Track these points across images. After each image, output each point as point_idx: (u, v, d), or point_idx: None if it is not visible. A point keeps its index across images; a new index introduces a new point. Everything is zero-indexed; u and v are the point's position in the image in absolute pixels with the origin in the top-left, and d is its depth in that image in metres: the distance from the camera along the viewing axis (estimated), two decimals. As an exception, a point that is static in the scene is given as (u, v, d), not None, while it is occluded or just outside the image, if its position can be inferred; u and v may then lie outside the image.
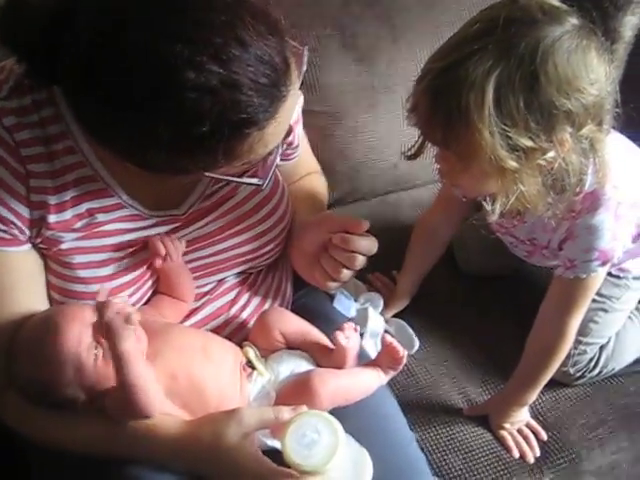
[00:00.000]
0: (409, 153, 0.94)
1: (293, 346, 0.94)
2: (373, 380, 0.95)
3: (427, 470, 0.94)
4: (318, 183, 1.15)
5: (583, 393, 1.16)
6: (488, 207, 0.86)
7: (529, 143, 0.78)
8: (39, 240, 0.83)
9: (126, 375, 0.76)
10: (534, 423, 1.10)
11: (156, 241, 0.87)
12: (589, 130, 0.81)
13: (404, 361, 0.96)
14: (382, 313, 1.20)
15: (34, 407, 0.83)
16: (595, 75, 0.79)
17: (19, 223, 0.80)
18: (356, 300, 1.19)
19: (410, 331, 1.18)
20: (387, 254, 1.31)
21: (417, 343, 1.17)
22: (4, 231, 0.80)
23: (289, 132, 0.78)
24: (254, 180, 0.81)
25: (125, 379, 0.76)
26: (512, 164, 0.79)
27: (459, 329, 1.23)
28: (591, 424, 1.11)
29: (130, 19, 0.65)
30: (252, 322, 0.98)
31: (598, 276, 0.97)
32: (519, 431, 1.09)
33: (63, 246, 0.84)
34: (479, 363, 1.18)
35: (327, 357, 0.92)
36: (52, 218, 0.81)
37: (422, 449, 1.00)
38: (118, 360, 0.76)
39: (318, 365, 0.92)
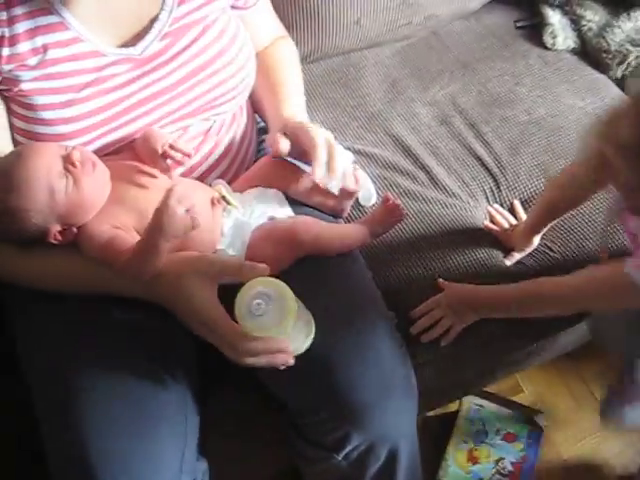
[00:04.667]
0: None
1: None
2: (356, 235, 0.99)
3: (382, 302, 1.00)
4: (286, 53, 1.14)
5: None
6: None
7: None
8: None
9: (157, 236, 0.79)
10: (458, 331, 1.06)
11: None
12: None
13: (400, 219, 1.00)
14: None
15: (3, 243, 0.85)
16: None
17: None
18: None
19: (370, 183, 1.11)
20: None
21: (374, 196, 1.12)
22: None
23: None
24: None
25: (154, 239, 0.79)
26: None
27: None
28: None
29: None
30: (216, 170, 1.01)
31: None
32: (442, 319, 1.06)
33: (23, 86, 0.84)
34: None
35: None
36: (5, 51, 0.82)
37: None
38: (159, 222, 0.78)
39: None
